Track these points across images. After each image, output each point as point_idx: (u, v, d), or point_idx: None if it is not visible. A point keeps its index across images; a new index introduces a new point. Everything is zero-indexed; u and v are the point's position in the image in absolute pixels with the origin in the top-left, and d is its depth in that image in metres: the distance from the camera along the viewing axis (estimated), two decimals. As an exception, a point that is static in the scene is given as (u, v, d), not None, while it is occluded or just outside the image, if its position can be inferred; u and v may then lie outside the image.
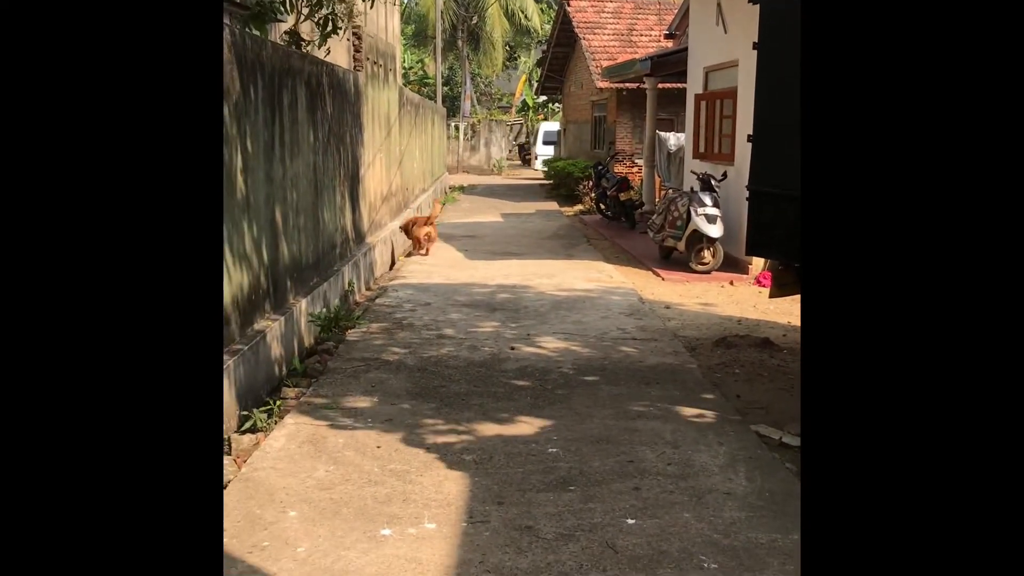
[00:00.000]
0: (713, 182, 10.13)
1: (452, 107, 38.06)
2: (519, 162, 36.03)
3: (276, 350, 5.59)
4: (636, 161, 18.04)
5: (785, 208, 4.86)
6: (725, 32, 10.69)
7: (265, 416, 4.79)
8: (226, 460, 4.24)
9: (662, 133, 15.23)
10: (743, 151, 9.02)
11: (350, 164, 8.74)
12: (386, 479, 4.05)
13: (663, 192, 14.44)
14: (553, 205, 19.55)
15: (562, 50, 24.34)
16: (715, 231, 9.83)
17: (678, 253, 10.53)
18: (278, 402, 5.07)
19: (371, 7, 10.89)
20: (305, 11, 8.14)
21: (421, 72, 41.12)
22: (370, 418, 4.91)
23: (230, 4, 7.67)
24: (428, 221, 11.80)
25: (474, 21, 37.89)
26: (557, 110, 34.88)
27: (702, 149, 11.73)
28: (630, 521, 3.62)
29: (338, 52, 12.79)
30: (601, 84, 19.16)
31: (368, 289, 9.19)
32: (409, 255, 11.54)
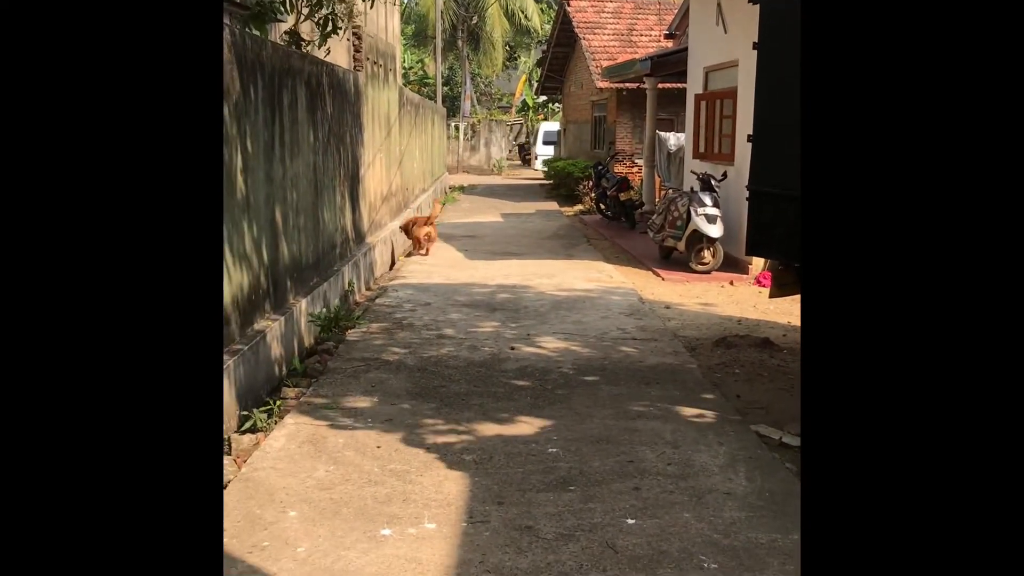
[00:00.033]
0: (713, 182, 10.14)
1: (452, 107, 38.06)
2: (519, 162, 36.05)
3: (276, 350, 5.59)
4: (636, 161, 18.04)
5: (785, 208, 4.86)
6: (725, 32, 10.69)
7: (265, 416, 4.79)
8: (226, 460, 4.24)
9: (662, 133, 15.22)
10: (743, 151, 9.02)
11: (350, 164, 8.75)
12: (386, 479, 4.05)
13: (663, 192, 14.44)
14: (553, 205, 19.55)
15: (562, 50, 24.34)
16: (715, 231, 9.83)
17: (678, 253, 10.53)
18: (278, 402, 5.07)
19: (371, 7, 10.89)
20: (305, 11, 8.14)
21: (421, 72, 41.12)
22: (370, 418, 4.91)
23: (230, 4, 7.67)
24: (428, 221, 11.81)
25: (474, 21, 37.89)
26: (557, 110, 34.89)
27: (702, 149, 11.73)
28: (630, 521, 3.62)
29: (338, 52, 12.79)
30: (601, 84, 19.16)
31: (368, 289, 9.19)
32: (409, 255, 11.55)
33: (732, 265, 10.14)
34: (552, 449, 4.44)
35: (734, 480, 4.07)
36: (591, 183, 16.99)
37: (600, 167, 16.09)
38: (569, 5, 21.85)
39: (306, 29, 8.56)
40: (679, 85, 14.67)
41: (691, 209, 9.96)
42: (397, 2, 21.77)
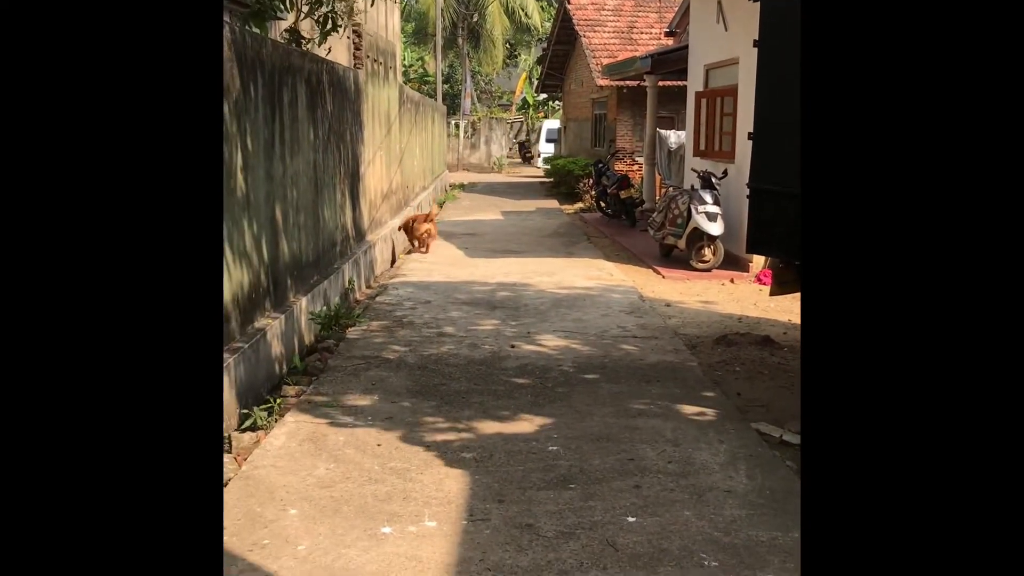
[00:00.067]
0: (714, 180, 10.13)
1: (452, 105, 38.05)
2: (519, 160, 36.05)
3: (276, 348, 5.59)
4: (636, 159, 18.02)
5: (786, 206, 4.86)
6: (726, 30, 10.68)
7: (265, 414, 4.79)
8: (226, 458, 4.24)
9: (662, 131, 15.21)
10: (743, 149, 9.01)
11: (350, 162, 8.74)
12: (386, 477, 4.05)
13: (663, 190, 14.43)
14: (553, 203, 19.55)
15: (562, 48, 24.32)
16: (715, 229, 9.83)
17: (679, 251, 10.53)
18: (278, 400, 5.07)
19: (371, 5, 10.89)
20: (305, 9, 8.13)
21: (421, 70, 41.07)
22: (370, 416, 4.90)
23: (230, 2, 7.66)
24: (428, 218, 11.83)
25: (474, 19, 37.87)
26: (557, 108, 34.87)
27: (702, 147, 11.72)
28: (631, 519, 3.61)
29: (338, 50, 12.79)
30: (601, 82, 19.14)
31: (368, 287, 9.18)
32: (409, 252, 11.55)
33: (733, 263, 10.13)
34: (552, 447, 4.44)
35: (735, 478, 4.07)
36: (591, 181, 16.98)
37: (600, 165, 16.09)
38: (569, 3, 21.82)
39: (306, 27, 8.55)
40: (679, 83, 14.66)
41: (692, 207, 9.96)
42: (397, 0, 21.75)
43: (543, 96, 35.00)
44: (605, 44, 20.65)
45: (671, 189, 12.95)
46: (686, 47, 12.98)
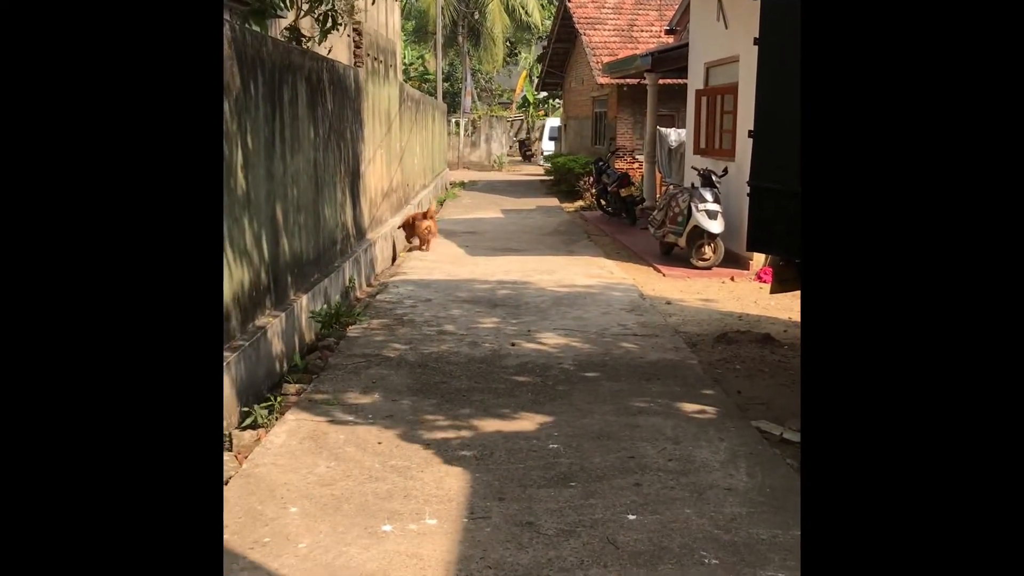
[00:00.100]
0: (714, 178, 10.13)
1: (453, 103, 38.02)
2: (519, 158, 36.04)
3: (277, 346, 5.59)
4: (637, 157, 18.01)
5: (786, 204, 4.86)
6: (726, 28, 10.67)
7: (266, 412, 4.79)
8: (227, 456, 4.24)
9: (663, 129, 15.21)
10: (744, 147, 9.00)
11: (351, 160, 8.74)
12: (387, 475, 4.05)
13: (664, 188, 14.42)
14: (554, 201, 19.54)
15: (563, 46, 24.31)
16: (716, 227, 9.83)
17: (679, 249, 10.52)
18: (279, 398, 5.07)
19: (372, 3, 10.88)
20: (305, 7, 8.13)
21: (422, 68, 41.03)
22: (371, 414, 4.91)
23: (230, 0, 7.65)
24: (428, 215, 11.84)
25: (475, 17, 37.83)
26: (558, 106, 34.85)
27: (703, 145, 11.72)
28: (631, 517, 3.62)
29: (338, 48, 12.77)
30: (602, 80, 19.14)
31: (369, 285, 9.19)
32: (410, 250, 11.55)
33: (733, 261, 10.13)
34: (553, 445, 4.44)
35: (735, 476, 4.07)
36: (592, 179, 16.98)
37: (601, 163, 16.08)
38: (570, 1, 21.81)
39: (306, 25, 8.54)
40: (680, 81, 14.65)
41: (692, 205, 9.95)
42: (397, -2, 21.72)
43: (543, 94, 35.00)
44: (605, 42, 20.64)
45: (671, 187, 12.94)
46: (686, 45, 12.97)
